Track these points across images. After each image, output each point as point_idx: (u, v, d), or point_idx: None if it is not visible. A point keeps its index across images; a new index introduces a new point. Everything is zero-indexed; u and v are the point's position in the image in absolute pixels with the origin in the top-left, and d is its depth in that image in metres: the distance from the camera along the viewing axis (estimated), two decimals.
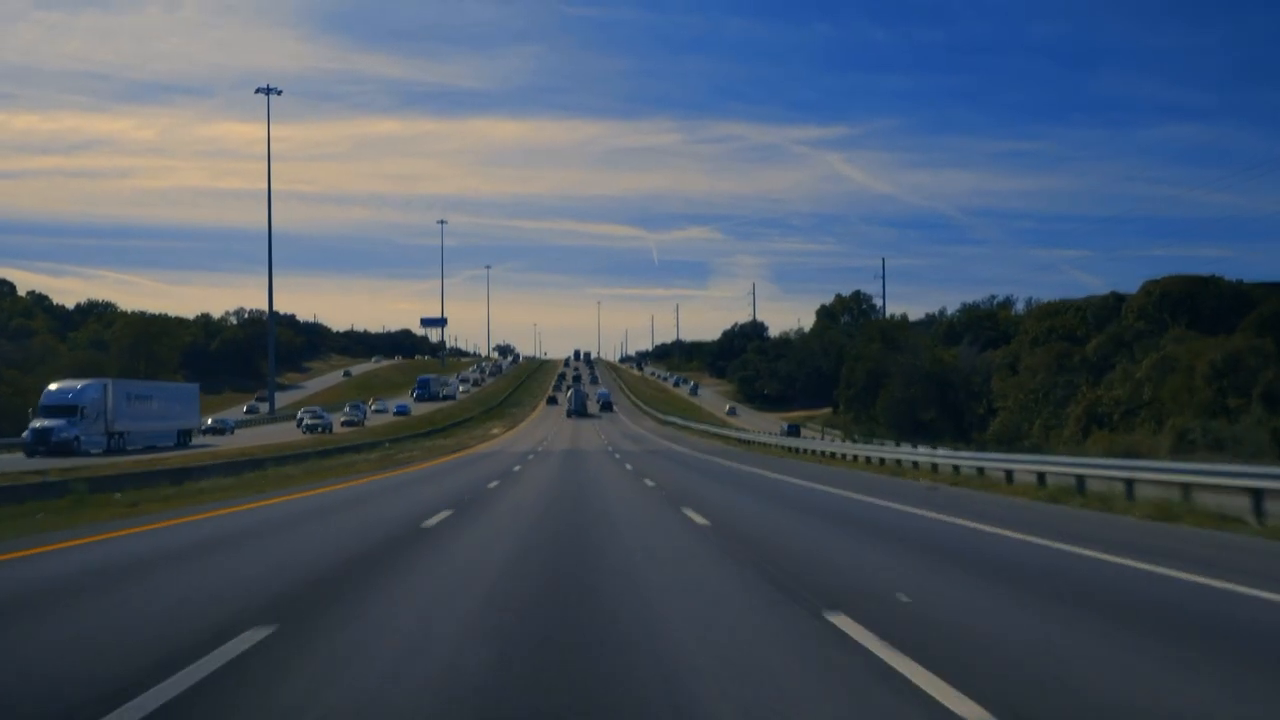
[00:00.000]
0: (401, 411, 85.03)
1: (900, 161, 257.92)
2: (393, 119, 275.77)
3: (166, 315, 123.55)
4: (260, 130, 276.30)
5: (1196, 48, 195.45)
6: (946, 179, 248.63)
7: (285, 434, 58.43)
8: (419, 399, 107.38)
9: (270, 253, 77.51)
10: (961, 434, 68.97)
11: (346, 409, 79.23)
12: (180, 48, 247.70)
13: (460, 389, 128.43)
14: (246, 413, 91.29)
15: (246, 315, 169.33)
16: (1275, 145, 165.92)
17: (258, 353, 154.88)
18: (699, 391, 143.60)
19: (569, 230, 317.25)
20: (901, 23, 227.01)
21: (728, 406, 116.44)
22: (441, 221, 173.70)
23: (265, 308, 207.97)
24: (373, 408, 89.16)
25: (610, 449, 46.49)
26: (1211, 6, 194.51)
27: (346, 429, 62.45)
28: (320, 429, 62.50)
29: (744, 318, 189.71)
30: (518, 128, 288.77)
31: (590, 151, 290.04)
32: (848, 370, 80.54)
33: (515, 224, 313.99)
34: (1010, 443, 62.61)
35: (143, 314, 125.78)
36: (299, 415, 72.75)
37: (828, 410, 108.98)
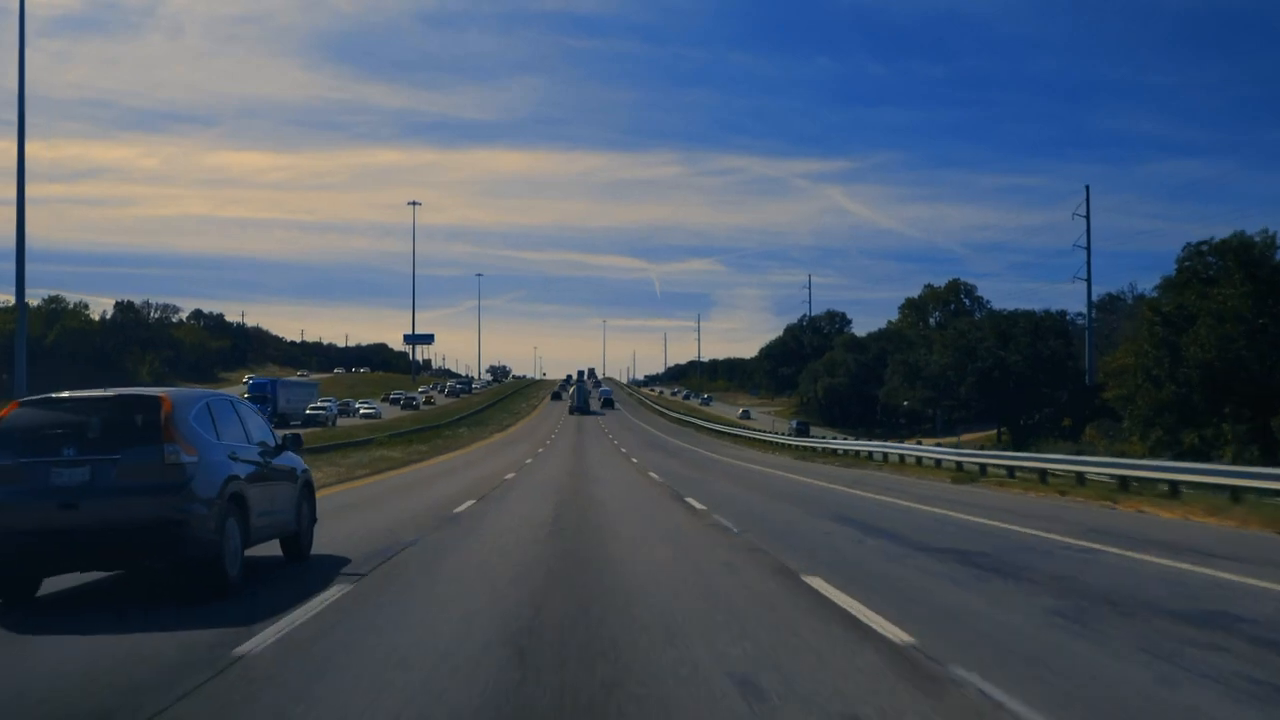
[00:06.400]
0: None
1: (901, 195, 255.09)
2: (394, 149, 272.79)
3: None
4: (265, 159, 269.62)
5: (1196, 84, 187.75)
6: (947, 212, 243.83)
7: None
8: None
9: (21, 197, 35.81)
10: None
11: None
12: (183, 76, 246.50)
13: (364, 409, 79.42)
14: None
15: (121, 304, 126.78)
16: (1276, 183, 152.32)
17: (127, 353, 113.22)
18: (711, 403, 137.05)
19: (571, 261, 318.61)
20: (901, 58, 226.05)
21: (740, 410, 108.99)
22: (413, 203, 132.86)
23: (251, 325, 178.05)
24: None
25: None
26: (1211, 44, 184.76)
27: None
28: None
29: (751, 349, 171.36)
30: (520, 158, 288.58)
31: (592, 183, 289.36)
32: (1145, 351, 38.17)
33: (517, 254, 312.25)
34: None
35: None
36: None
37: (990, 432, 66.80)
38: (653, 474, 28.46)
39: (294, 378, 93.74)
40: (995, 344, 63.52)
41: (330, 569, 9.80)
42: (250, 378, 77.60)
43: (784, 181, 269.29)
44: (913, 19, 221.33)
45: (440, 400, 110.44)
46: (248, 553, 9.10)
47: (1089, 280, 64.72)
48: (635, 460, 36.95)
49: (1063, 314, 77.54)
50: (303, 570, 9.95)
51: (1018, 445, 55.24)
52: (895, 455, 36.21)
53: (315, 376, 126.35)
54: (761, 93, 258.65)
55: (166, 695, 5.28)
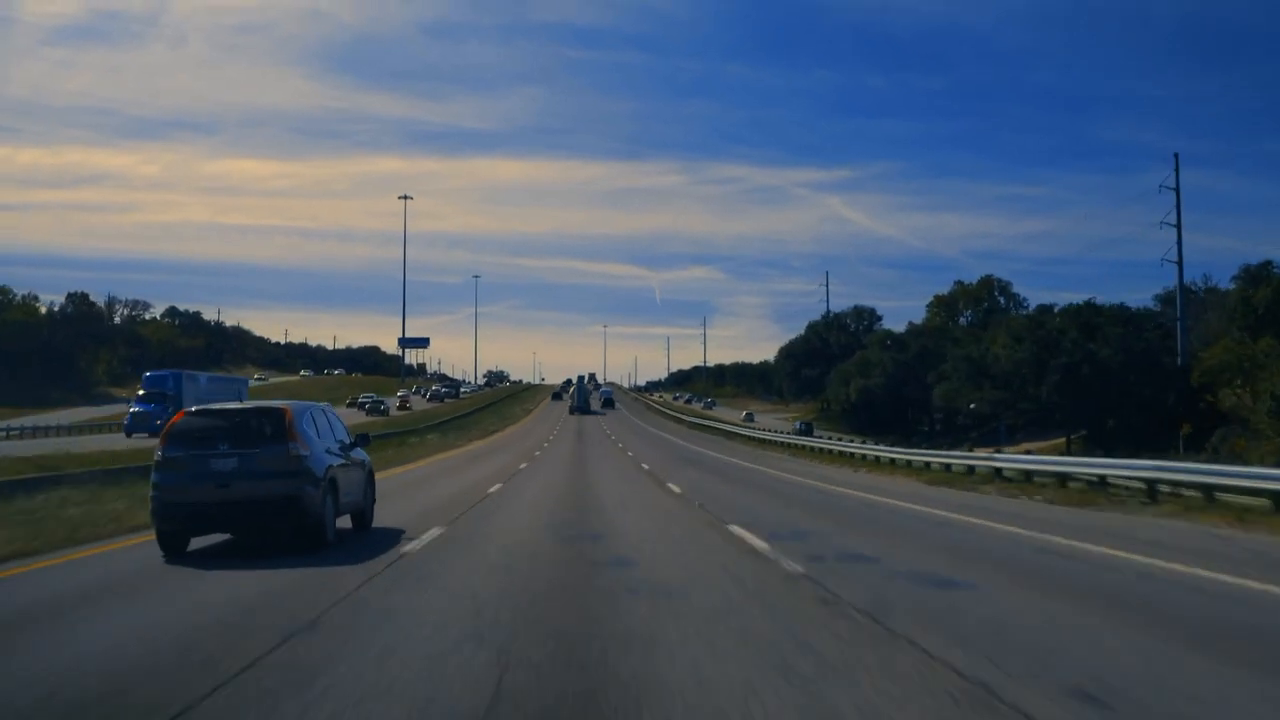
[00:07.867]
0: None
1: (901, 204, 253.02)
2: (395, 157, 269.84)
3: None
4: (267, 166, 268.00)
5: (1195, 95, 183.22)
6: (947, 222, 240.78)
7: None
8: (135, 428, 48.77)
9: None
10: None
11: None
12: (186, 85, 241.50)
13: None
14: None
15: (74, 296, 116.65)
16: (1274, 193, 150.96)
17: (81, 349, 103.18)
18: (715, 406, 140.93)
19: (571, 269, 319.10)
20: (900, 70, 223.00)
21: (744, 413, 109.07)
22: (405, 197, 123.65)
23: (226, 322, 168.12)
24: None
25: None
26: (1210, 54, 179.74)
27: None
28: None
29: (753, 356, 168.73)
30: (520, 168, 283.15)
31: (592, 191, 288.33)
32: None
33: (516, 261, 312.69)
34: None
35: None
36: None
37: (1057, 441, 57.02)
38: (739, 530, 13.47)
39: (254, 377, 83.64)
40: (1080, 337, 52.85)
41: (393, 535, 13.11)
42: (149, 372, 60.10)
43: (784, 190, 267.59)
44: (911, 31, 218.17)
45: (420, 405, 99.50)
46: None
47: (1180, 262, 54.84)
48: (676, 489, 22.19)
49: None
50: (370, 536, 13.23)
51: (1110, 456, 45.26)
52: (1163, 482, 17.73)
53: (278, 379, 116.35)
54: (761, 103, 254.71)
55: (336, 595, 8.29)
